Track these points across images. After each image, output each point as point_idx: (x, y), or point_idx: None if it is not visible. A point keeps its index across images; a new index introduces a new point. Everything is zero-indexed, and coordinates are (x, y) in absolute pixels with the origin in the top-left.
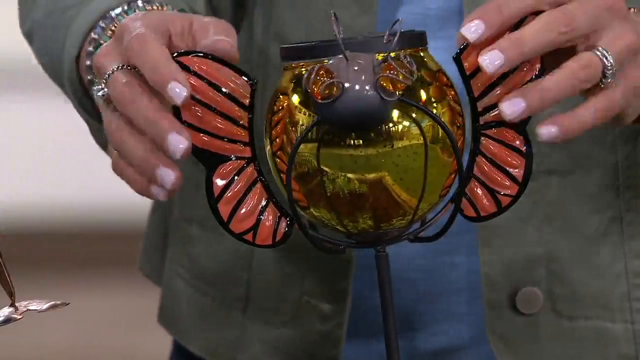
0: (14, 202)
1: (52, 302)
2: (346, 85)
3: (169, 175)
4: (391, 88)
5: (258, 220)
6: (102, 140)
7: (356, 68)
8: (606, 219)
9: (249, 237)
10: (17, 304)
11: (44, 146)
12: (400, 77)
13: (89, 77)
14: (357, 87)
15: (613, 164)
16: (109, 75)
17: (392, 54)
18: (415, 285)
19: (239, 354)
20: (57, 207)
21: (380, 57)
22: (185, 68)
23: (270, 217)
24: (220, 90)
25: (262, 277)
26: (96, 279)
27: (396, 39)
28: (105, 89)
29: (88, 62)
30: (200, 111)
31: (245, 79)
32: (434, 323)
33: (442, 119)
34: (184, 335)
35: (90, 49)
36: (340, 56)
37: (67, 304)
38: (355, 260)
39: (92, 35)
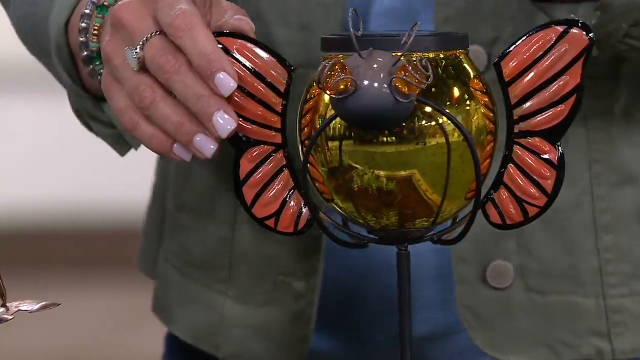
0: (4, 202)
1: (44, 303)
2: (359, 82)
3: (209, 145)
4: (407, 90)
5: (281, 207)
6: (81, 107)
7: (373, 66)
8: (577, 192)
9: (270, 222)
10: (8, 304)
11: (34, 146)
12: (414, 81)
13: (80, 39)
14: (370, 85)
15: (583, 137)
16: (147, 39)
17: (414, 57)
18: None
19: (220, 338)
20: (48, 207)
21: (403, 57)
22: (224, 50)
23: (294, 205)
24: (257, 75)
25: (242, 259)
26: (87, 279)
27: (411, 40)
28: (140, 52)
29: (83, 24)
30: (235, 94)
31: (284, 65)
32: (416, 310)
33: (473, 124)
34: (172, 322)
35: (87, 11)
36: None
37: (59, 305)
38: (326, 242)
39: None
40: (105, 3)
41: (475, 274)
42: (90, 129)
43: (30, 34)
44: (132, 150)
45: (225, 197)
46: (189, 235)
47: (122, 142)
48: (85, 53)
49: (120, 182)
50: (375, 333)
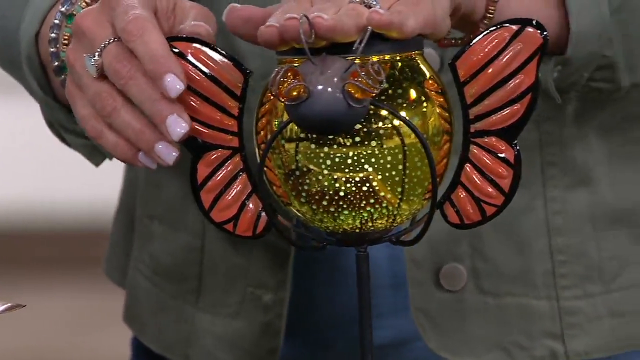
0: None
1: (9, 304)
2: (311, 89)
3: (170, 153)
4: (359, 95)
5: (240, 211)
6: (53, 118)
7: (325, 72)
8: (529, 195)
9: (229, 227)
10: None
11: (3, 148)
12: (367, 86)
13: (51, 50)
14: (322, 91)
15: (536, 140)
16: (104, 46)
17: (368, 60)
18: None
19: (190, 349)
20: (13, 207)
21: (358, 61)
22: (180, 54)
23: (253, 209)
24: (213, 79)
25: (212, 270)
26: (53, 280)
27: (363, 44)
28: (98, 59)
29: (53, 35)
30: (191, 99)
31: (239, 68)
32: (379, 317)
33: (430, 125)
34: (143, 331)
35: (56, 21)
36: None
37: (24, 306)
38: (294, 253)
39: (61, 8)
40: (75, 12)
41: (428, 276)
42: (63, 140)
43: (1, 47)
44: None
45: (195, 207)
46: (159, 244)
47: (95, 152)
48: (56, 64)
49: (88, 183)
50: (340, 339)
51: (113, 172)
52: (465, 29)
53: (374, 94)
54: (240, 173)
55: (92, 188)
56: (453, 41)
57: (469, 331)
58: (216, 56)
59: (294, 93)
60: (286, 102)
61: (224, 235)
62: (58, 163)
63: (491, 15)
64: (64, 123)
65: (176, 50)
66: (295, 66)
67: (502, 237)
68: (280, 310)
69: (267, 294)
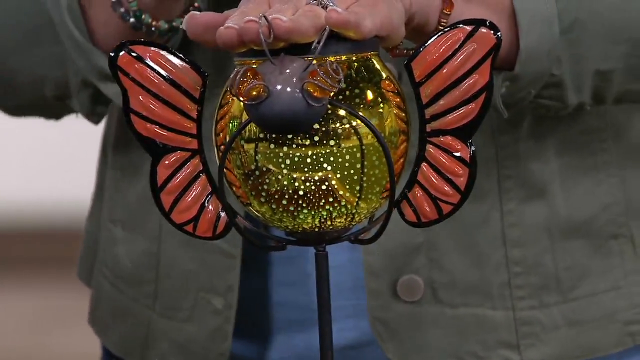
0: None
1: None
2: (271, 88)
3: None
4: (318, 94)
5: (199, 212)
6: (91, 69)
7: (284, 72)
8: (486, 208)
9: (189, 228)
10: None
11: None
12: (325, 85)
13: None
14: (282, 90)
15: (492, 153)
16: None
17: (326, 60)
18: None
19: (147, 352)
20: None
21: (315, 61)
22: (138, 58)
23: (212, 210)
24: (171, 82)
25: (168, 275)
26: (20, 279)
27: (320, 45)
28: None
29: None
30: (150, 102)
31: (197, 71)
32: (340, 319)
33: (387, 126)
34: (105, 334)
35: None
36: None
37: None
38: (242, 257)
39: None
40: None
41: (386, 287)
42: (93, 108)
43: (30, 18)
44: (73, 153)
45: (153, 211)
46: (120, 248)
47: None
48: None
49: (60, 183)
50: (296, 340)
51: (85, 173)
52: (417, 40)
53: (332, 93)
54: (200, 174)
55: (64, 188)
56: (405, 51)
57: (426, 341)
58: (174, 59)
59: (254, 93)
60: (246, 102)
61: (179, 240)
62: (30, 163)
63: (442, 28)
64: (105, 69)
65: (134, 54)
66: (255, 67)
67: (459, 249)
68: (228, 314)
69: (217, 298)
